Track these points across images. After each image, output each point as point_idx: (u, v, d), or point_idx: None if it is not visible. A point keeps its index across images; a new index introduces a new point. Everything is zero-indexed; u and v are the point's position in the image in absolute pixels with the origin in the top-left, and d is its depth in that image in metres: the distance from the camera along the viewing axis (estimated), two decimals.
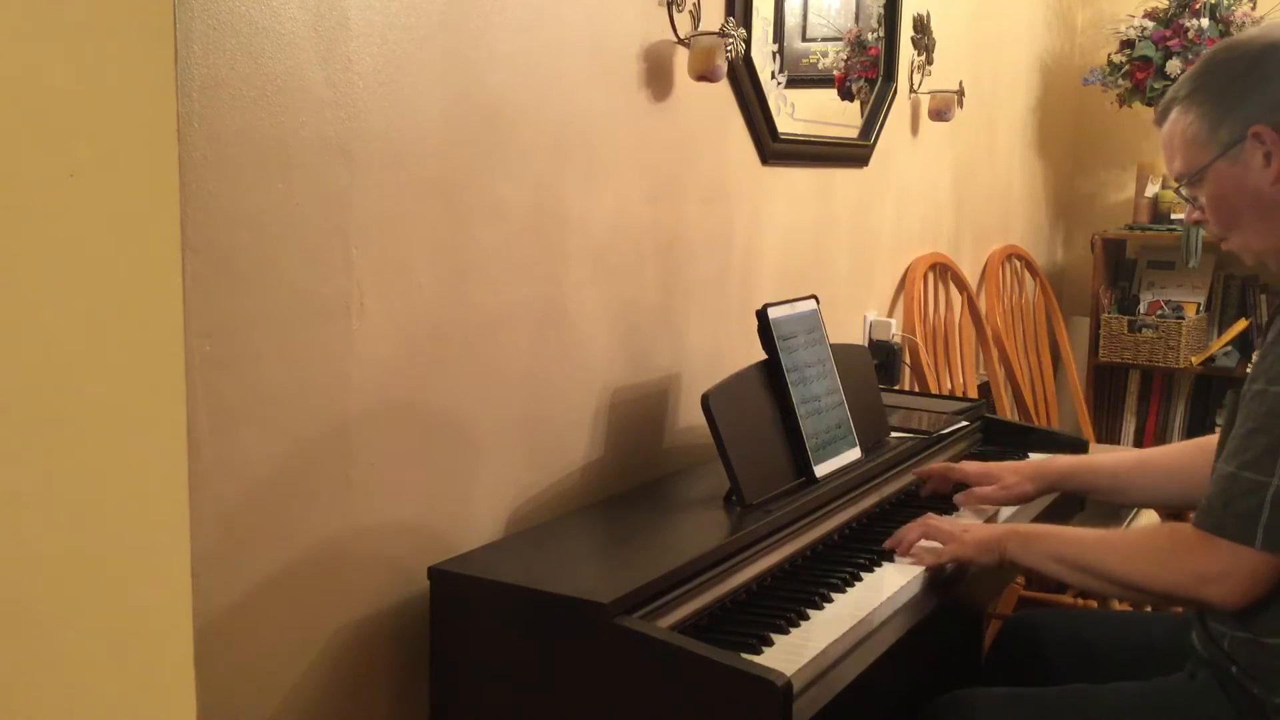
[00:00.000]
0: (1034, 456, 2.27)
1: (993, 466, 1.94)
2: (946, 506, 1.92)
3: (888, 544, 1.70)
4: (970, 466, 1.96)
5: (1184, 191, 1.55)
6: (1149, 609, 2.49)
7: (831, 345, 1.94)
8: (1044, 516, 1.97)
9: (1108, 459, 1.91)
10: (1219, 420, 3.79)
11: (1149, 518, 2.75)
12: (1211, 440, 1.65)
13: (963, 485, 1.96)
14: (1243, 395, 1.41)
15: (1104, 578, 1.50)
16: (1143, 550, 1.47)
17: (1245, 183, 1.46)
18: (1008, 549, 1.58)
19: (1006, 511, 1.95)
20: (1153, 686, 1.53)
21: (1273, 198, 1.45)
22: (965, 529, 1.66)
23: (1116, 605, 2.64)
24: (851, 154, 2.65)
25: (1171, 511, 2.78)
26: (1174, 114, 1.52)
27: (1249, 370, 1.44)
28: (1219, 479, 1.39)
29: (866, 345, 2.75)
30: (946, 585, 1.64)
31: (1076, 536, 1.56)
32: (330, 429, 1.39)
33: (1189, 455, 1.78)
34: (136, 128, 0.85)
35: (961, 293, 3.22)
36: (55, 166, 0.81)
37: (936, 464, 2.02)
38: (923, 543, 1.67)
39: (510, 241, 1.64)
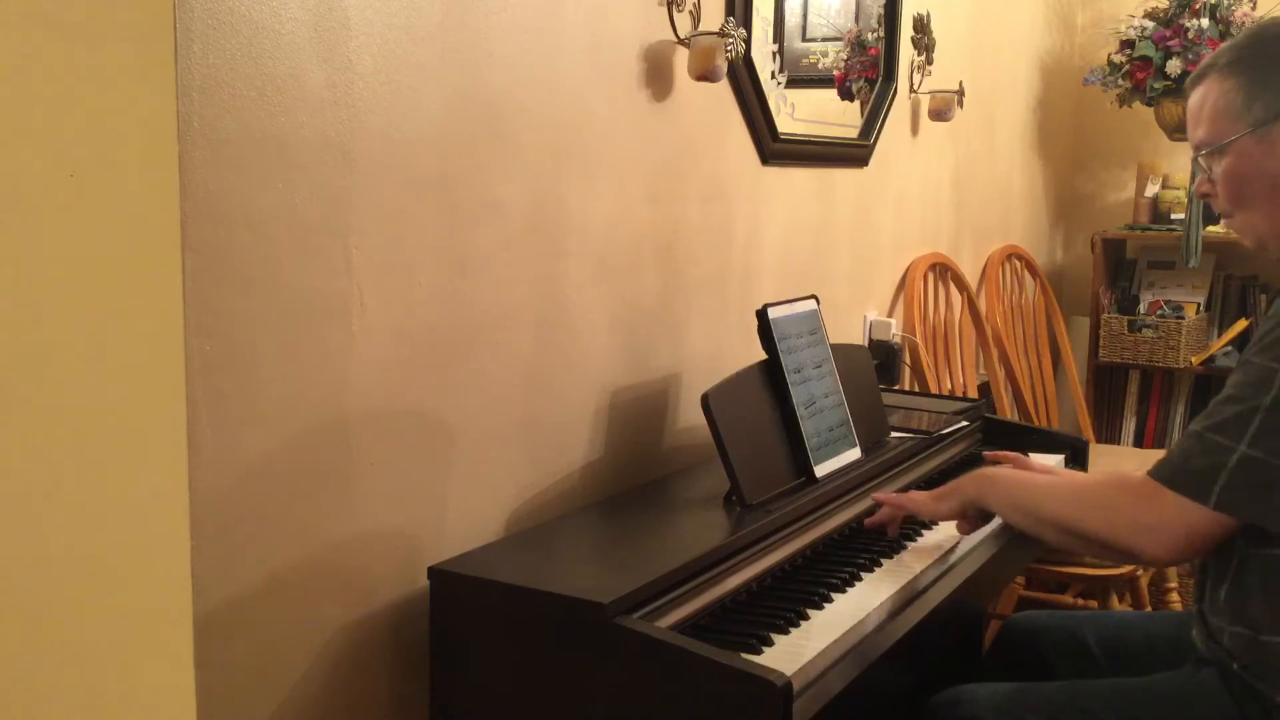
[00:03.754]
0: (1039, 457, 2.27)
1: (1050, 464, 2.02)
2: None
3: (866, 521, 1.76)
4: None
5: (1201, 161, 1.53)
6: (1150, 608, 2.49)
7: (831, 345, 1.94)
8: None
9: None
10: None
11: None
12: None
13: None
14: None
15: (1046, 522, 1.53)
16: (1087, 496, 1.49)
17: (1266, 164, 1.45)
18: (965, 489, 1.65)
19: None
20: (1156, 681, 1.53)
21: None
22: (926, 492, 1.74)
23: (1116, 605, 2.64)
24: (851, 154, 2.65)
25: None
26: (1209, 80, 1.50)
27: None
28: (1184, 437, 1.42)
29: (866, 345, 2.75)
30: (946, 585, 1.64)
31: (1030, 480, 1.60)
32: (330, 429, 1.39)
33: None
34: (136, 128, 0.85)
35: (961, 293, 3.22)
36: (55, 166, 0.81)
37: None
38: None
39: (510, 241, 1.64)
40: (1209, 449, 1.36)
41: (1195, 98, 1.53)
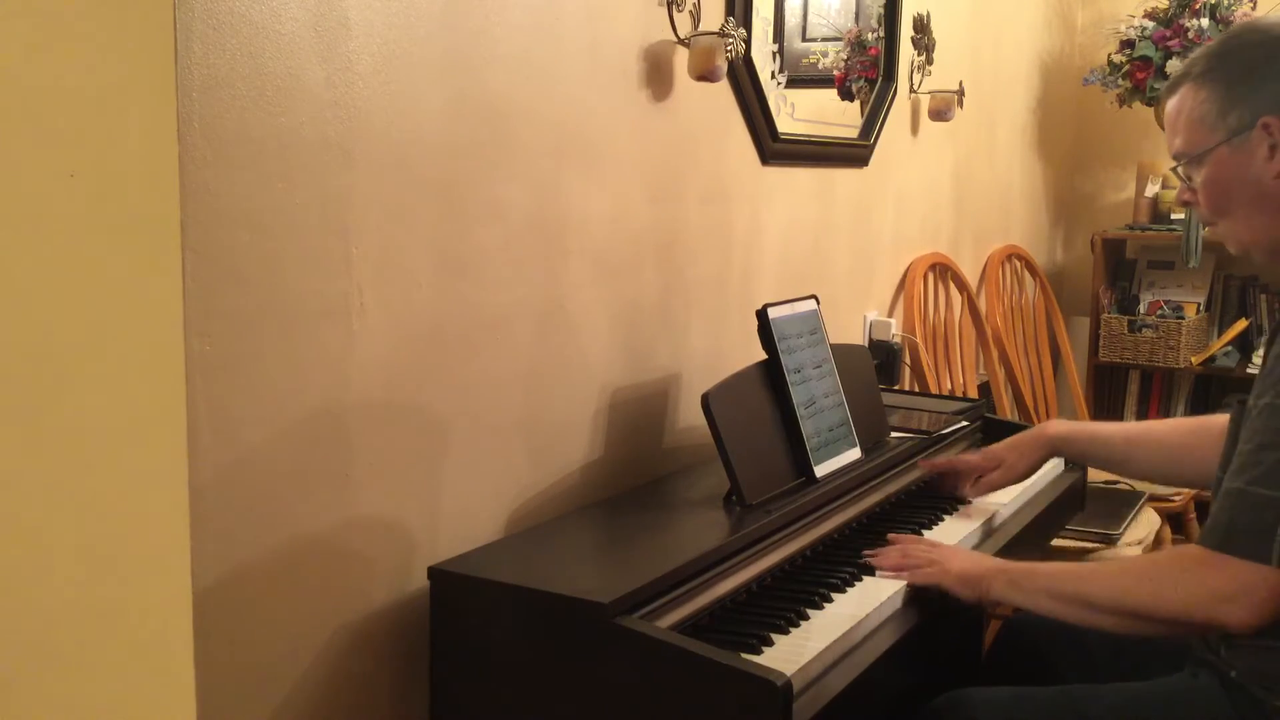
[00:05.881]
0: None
1: (993, 449, 1.96)
2: (946, 505, 1.92)
3: (866, 556, 1.64)
4: (972, 457, 1.98)
5: (1180, 171, 1.52)
6: None
7: (831, 345, 1.94)
8: (1034, 523, 1.97)
9: (1109, 428, 1.90)
10: None
11: (1148, 518, 2.75)
12: (1212, 420, 1.63)
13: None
14: (1248, 410, 1.38)
15: (1104, 608, 1.43)
16: (1148, 573, 1.41)
17: (1246, 172, 1.44)
18: (992, 588, 1.51)
19: (1007, 495, 1.97)
20: (1153, 686, 1.52)
21: (1271, 191, 1.43)
22: (949, 556, 1.60)
23: None
24: (851, 154, 2.65)
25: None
26: (1184, 90, 1.49)
27: (1255, 383, 1.40)
28: (1225, 496, 1.35)
29: (866, 345, 2.75)
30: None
31: (1070, 569, 1.51)
32: (330, 429, 1.39)
33: (1189, 435, 1.78)
34: (136, 128, 0.85)
35: (961, 293, 3.22)
36: (55, 166, 0.81)
37: (940, 459, 2.03)
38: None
39: (510, 241, 1.64)
40: (1255, 505, 1.30)
41: (1170, 107, 1.51)
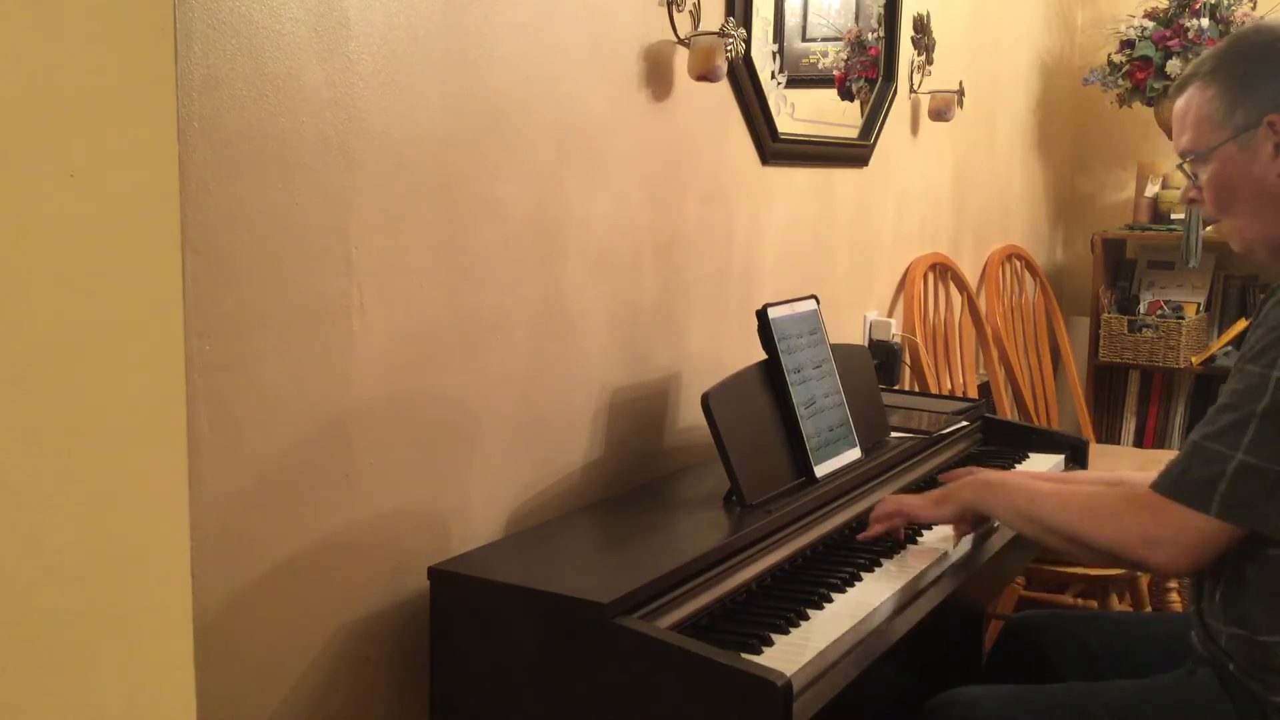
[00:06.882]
0: (1037, 458, 2.27)
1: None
2: None
3: (870, 528, 1.75)
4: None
5: (1186, 168, 1.55)
6: (1149, 609, 2.49)
7: (831, 345, 1.94)
8: None
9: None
10: None
11: None
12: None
13: None
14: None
15: (1051, 530, 1.53)
16: (1092, 507, 1.49)
17: (1250, 170, 1.47)
18: (963, 495, 1.65)
19: None
20: (1153, 683, 1.53)
21: (1274, 189, 1.46)
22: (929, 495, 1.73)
23: (1116, 604, 2.64)
24: (851, 154, 2.65)
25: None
26: (1192, 88, 1.52)
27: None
28: (1184, 447, 1.42)
29: (866, 345, 2.75)
30: (946, 584, 1.64)
31: (1031, 488, 1.60)
32: (330, 429, 1.39)
33: None
34: (136, 128, 0.85)
35: (961, 293, 3.22)
36: (55, 166, 0.81)
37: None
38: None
39: (510, 241, 1.64)
40: (1208, 458, 1.37)
41: (1179, 105, 1.55)
